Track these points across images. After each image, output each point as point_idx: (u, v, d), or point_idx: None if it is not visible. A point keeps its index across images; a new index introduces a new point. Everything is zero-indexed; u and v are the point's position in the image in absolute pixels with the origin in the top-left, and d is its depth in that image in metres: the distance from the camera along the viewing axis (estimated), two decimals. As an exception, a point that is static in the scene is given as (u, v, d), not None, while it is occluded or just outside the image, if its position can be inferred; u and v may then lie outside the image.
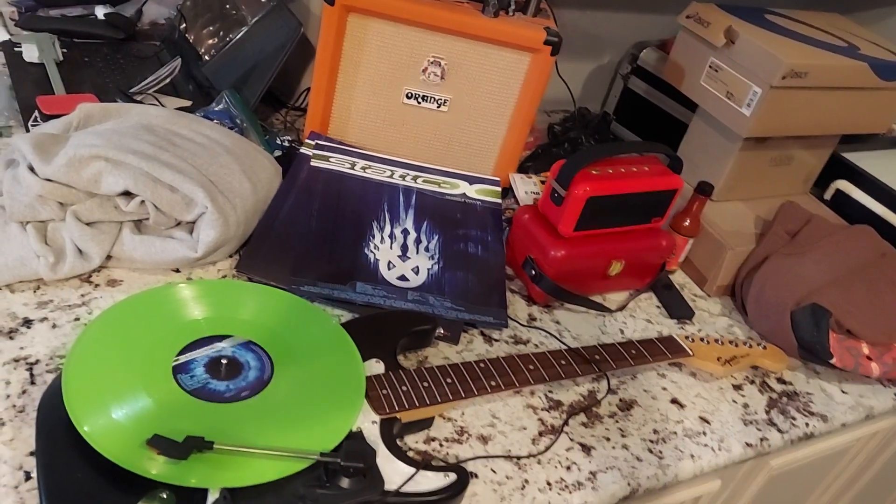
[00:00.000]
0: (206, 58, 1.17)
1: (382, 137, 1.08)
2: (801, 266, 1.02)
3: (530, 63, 1.03)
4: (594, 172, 0.92)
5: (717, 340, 0.95)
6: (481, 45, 1.01)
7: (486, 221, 1.03)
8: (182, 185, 0.79)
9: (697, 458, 0.82)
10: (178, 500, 0.57)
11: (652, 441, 0.82)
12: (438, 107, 1.06)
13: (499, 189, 1.08)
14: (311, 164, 1.01)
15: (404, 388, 0.72)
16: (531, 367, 0.80)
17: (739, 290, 1.07)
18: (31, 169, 0.77)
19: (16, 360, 0.69)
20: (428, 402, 0.72)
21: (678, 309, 1.04)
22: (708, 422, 0.87)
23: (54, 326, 0.74)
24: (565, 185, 0.91)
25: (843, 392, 0.98)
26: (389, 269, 0.92)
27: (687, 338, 0.93)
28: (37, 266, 0.75)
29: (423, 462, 0.67)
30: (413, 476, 0.64)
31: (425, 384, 0.73)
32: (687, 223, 1.06)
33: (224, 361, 0.67)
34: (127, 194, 0.80)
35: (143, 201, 0.79)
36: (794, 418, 0.91)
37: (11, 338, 0.71)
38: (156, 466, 0.57)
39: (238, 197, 0.85)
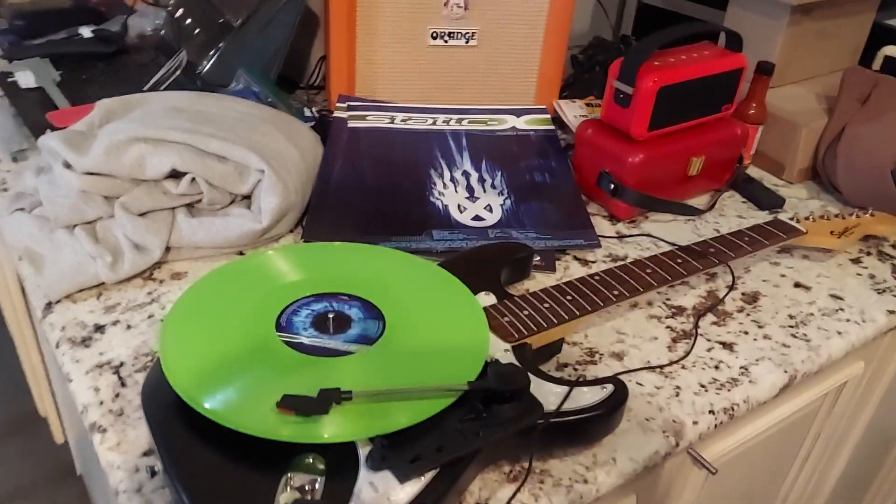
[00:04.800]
0: (206, 59, 1.10)
1: (414, 87, 1.01)
2: (885, 127, 0.95)
3: (555, -26, 0.96)
4: (656, 64, 0.85)
5: (822, 217, 0.87)
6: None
7: (545, 149, 0.96)
8: (231, 152, 0.72)
9: (845, 334, 0.75)
10: (328, 462, 0.49)
11: (791, 326, 0.75)
12: (467, 42, 0.99)
13: (548, 117, 1.01)
14: (350, 125, 0.94)
15: (525, 312, 0.65)
16: (648, 270, 0.72)
17: (823, 169, 1.00)
18: (67, 166, 0.69)
19: (99, 367, 0.62)
20: (555, 321, 0.64)
21: (766, 199, 0.96)
22: (840, 298, 0.80)
23: (129, 327, 0.66)
24: (631, 80, 0.84)
25: (964, 245, 0.91)
26: (461, 212, 0.84)
27: (791, 219, 0.86)
28: (95, 269, 0.68)
29: (575, 379, 0.59)
30: (569, 393, 0.57)
31: (546, 305, 0.66)
32: (753, 109, 0.99)
33: (331, 316, 0.60)
34: (174, 176, 0.72)
35: (193, 179, 0.72)
36: (926, 278, 0.84)
37: (87, 346, 0.64)
38: (295, 429, 0.49)
39: (289, 161, 0.78)
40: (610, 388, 0.58)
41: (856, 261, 0.87)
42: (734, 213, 0.94)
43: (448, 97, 1.02)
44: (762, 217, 0.94)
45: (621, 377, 0.65)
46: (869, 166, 0.93)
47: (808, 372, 0.71)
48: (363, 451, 0.50)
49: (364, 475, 0.49)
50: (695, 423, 0.63)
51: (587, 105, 1.08)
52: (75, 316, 0.67)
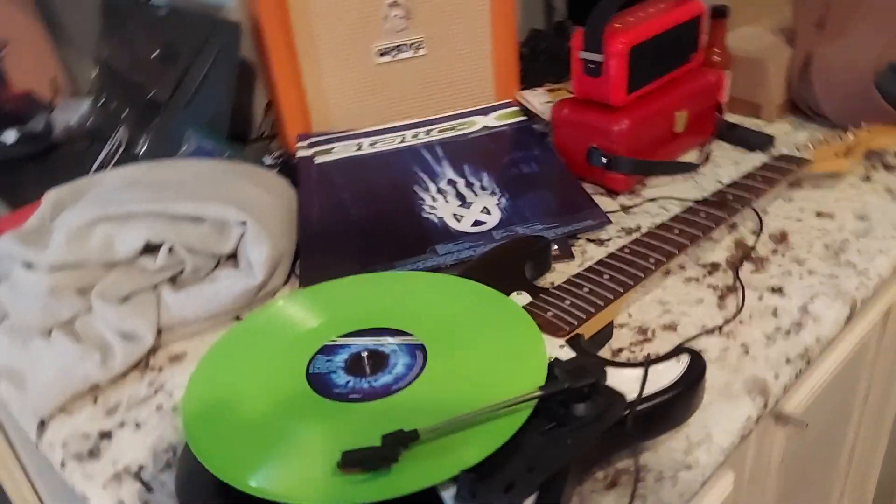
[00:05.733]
0: (143, 138, 1.03)
1: (372, 109, 0.95)
2: (855, 41, 0.93)
3: (489, -37, 0.93)
4: (618, 26, 0.82)
5: (822, 143, 0.85)
6: (433, -36, 0.90)
7: (523, 140, 0.91)
8: (206, 210, 0.65)
9: (886, 251, 0.71)
10: (413, 515, 0.42)
11: (832, 256, 0.71)
12: (416, 51, 0.94)
13: (517, 109, 0.97)
14: (317, 162, 0.88)
15: (567, 302, 0.59)
16: (676, 231, 0.68)
17: (801, 99, 0.98)
18: (28, 266, 0.62)
19: (116, 477, 0.54)
20: (602, 303, 0.59)
21: (755, 140, 0.93)
22: (866, 218, 0.77)
23: (138, 426, 0.58)
24: (598, 47, 0.80)
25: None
26: (459, 220, 0.79)
27: (795, 148, 0.83)
28: (84, 371, 0.60)
29: (647, 358, 0.54)
30: (646, 375, 0.51)
31: (586, 290, 0.61)
32: (717, 56, 0.97)
33: (364, 355, 0.53)
34: (149, 251, 0.65)
35: (170, 249, 0.65)
36: (941, 178, 0.81)
37: (97, 457, 0.56)
38: (366, 489, 0.42)
39: (267, 209, 0.72)
40: (686, 358, 0.52)
41: (866, 179, 0.84)
42: (729, 162, 0.91)
43: (409, 111, 0.96)
44: (757, 159, 0.91)
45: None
46: (849, 83, 0.91)
47: (865, 298, 0.67)
48: (448, 494, 0.43)
49: (458, 521, 0.42)
50: (776, 376, 0.58)
51: (549, 91, 1.04)
52: (75, 428, 0.59)
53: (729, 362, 0.59)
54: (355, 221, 0.79)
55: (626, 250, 0.65)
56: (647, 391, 0.50)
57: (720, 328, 0.63)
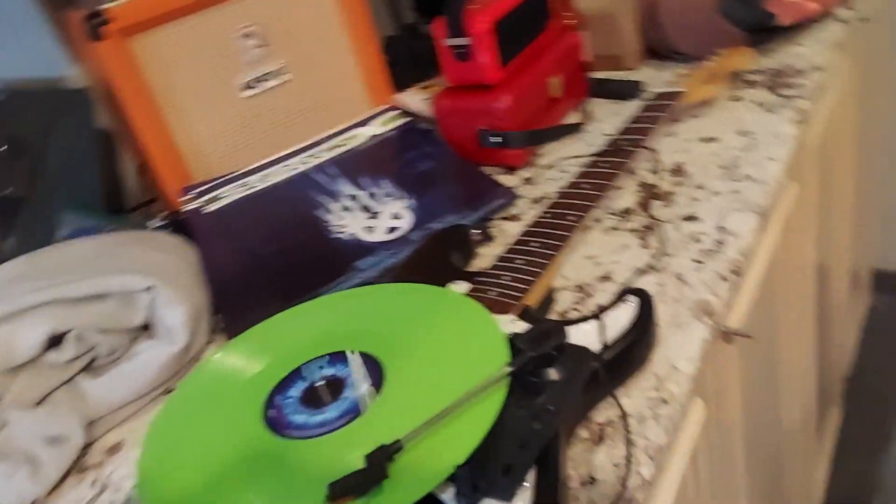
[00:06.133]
0: (6, 237, 0.95)
1: (250, 146, 0.92)
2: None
3: (331, -27, 0.91)
4: (476, 6, 0.83)
5: (687, 74, 0.89)
6: (275, -14, 0.88)
7: (413, 140, 0.90)
8: (107, 284, 0.60)
9: (773, 159, 0.75)
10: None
11: (728, 174, 0.74)
12: (281, 79, 0.92)
13: (399, 112, 0.96)
14: (207, 211, 0.84)
15: (505, 278, 0.59)
16: (584, 186, 0.69)
17: (657, 42, 1.02)
18: (-81, 396, 0.55)
19: (82, 592, 0.48)
20: (539, 270, 0.59)
21: (627, 90, 0.97)
22: (747, 132, 0.81)
23: (92, 531, 0.53)
24: (462, 31, 0.80)
25: (800, 45, 0.95)
26: (371, 232, 0.77)
27: (666, 85, 0.86)
28: (16, 490, 0.54)
29: (598, 308, 0.54)
30: (603, 323, 0.51)
31: (519, 261, 0.60)
32: (569, 19, 1.00)
33: (319, 384, 0.51)
34: (55, 344, 0.60)
35: (78, 336, 0.59)
36: (793, 85, 0.87)
37: (54, 578, 0.50)
38: (364, 515, 0.40)
39: (170, 269, 0.67)
40: (633, 298, 0.53)
41: (735, 99, 0.89)
42: (609, 114, 0.94)
43: (290, 139, 0.94)
44: (634, 106, 0.94)
45: (624, 293, 0.61)
46: (696, 17, 0.95)
47: (770, 203, 0.70)
48: (447, 496, 0.42)
49: (467, 517, 0.41)
50: (716, 295, 0.59)
51: (422, 89, 1.04)
52: (20, 555, 0.53)
53: (669, 295, 0.60)
54: (266, 260, 0.76)
55: (546, 216, 0.66)
56: (610, 338, 0.50)
57: (651, 267, 0.64)
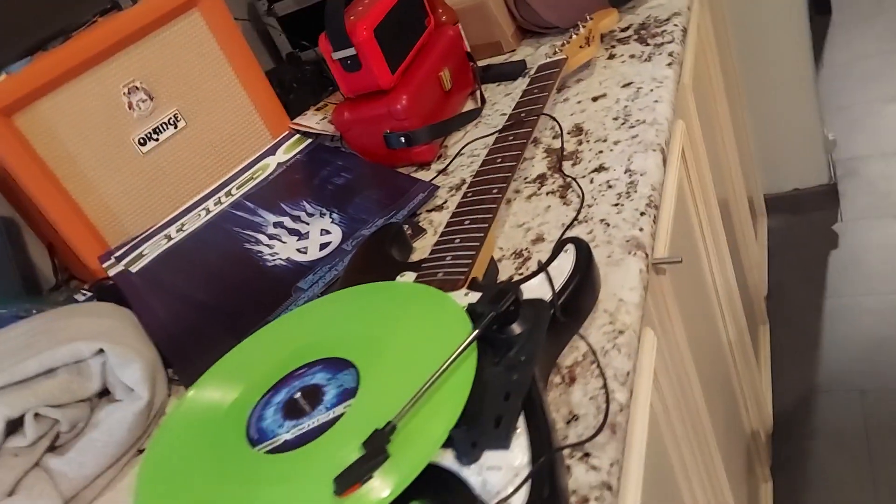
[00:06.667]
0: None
1: (160, 199, 0.91)
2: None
3: (204, 16, 0.92)
4: (353, 18, 0.85)
5: (564, 44, 0.94)
6: (151, 38, 0.88)
7: (321, 158, 0.92)
8: (54, 357, 0.59)
9: (658, 101, 0.81)
10: (432, 494, 0.42)
11: (623, 123, 0.79)
12: (175, 127, 0.91)
13: (300, 136, 0.97)
14: (134, 270, 0.83)
15: (448, 258, 0.61)
16: (499, 160, 0.72)
17: (527, 21, 1.08)
18: None
19: None
20: (479, 242, 0.61)
21: (513, 70, 1.01)
22: (630, 83, 0.86)
23: None
24: (346, 42, 0.83)
25: (661, -5, 1.03)
26: (305, 252, 0.78)
27: (546, 57, 0.91)
28: (7, 585, 0.52)
29: (539, 264, 0.57)
30: (548, 275, 0.54)
31: (457, 240, 0.63)
32: (444, 14, 1.04)
33: (297, 396, 0.51)
34: (12, 431, 0.58)
35: (35, 415, 0.58)
36: (660, 33, 0.94)
37: None
38: (374, 500, 0.41)
39: (113, 331, 0.66)
40: (569, 246, 0.57)
41: (611, 57, 0.94)
42: (501, 96, 0.98)
43: (199, 183, 0.93)
44: (523, 83, 0.99)
45: (558, 248, 0.64)
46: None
47: (665, 140, 0.76)
48: (449, 461, 0.44)
49: (473, 473, 0.43)
50: (640, 229, 0.64)
51: (317, 111, 1.05)
52: None
53: (600, 239, 0.64)
54: (207, 304, 0.76)
55: (469, 195, 0.69)
56: (558, 285, 0.53)
57: (576, 219, 0.68)
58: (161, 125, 0.90)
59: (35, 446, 0.58)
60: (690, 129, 0.97)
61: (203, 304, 0.76)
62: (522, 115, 0.79)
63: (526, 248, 0.67)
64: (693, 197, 0.93)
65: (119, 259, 0.85)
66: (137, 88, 0.88)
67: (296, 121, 1.02)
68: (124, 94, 0.87)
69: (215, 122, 0.95)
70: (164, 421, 0.54)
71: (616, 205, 0.68)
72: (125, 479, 0.62)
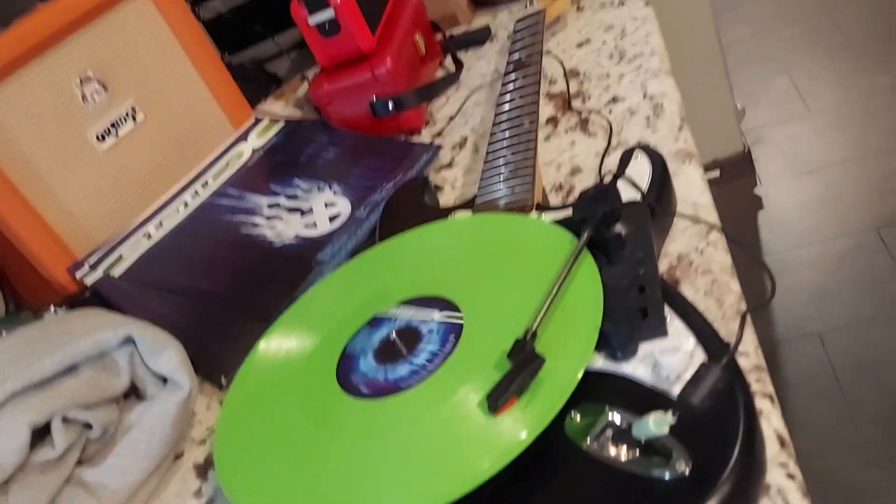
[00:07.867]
0: None
1: (129, 198, 0.82)
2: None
3: (155, 2, 0.84)
4: (324, -19, 0.80)
5: (526, 5, 0.93)
6: (99, 23, 0.80)
7: (303, 137, 0.86)
8: (76, 349, 0.50)
9: (650, 34, 0.80)
10: (593, 397, 0.38)
11: (621, 58, 0.78)
12: (135, 120, 0.83)
13: (270, 120, 0.90)
14: (117, 274, 0.74)
15: (501, 188, 0.57)
16: (517, 98, 0.69)
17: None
18: None
19: None
20: (531, 167, 0.58)
21: (477, 36, 0.99)
22: (611, 26, 0.86)
23: None
24: (324, 3, 0.78)
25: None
26: (316, 227, 0.72)
27: (516, 15, 0.89)
28: None
29: (614, 172, 0.54)
30: (631, 178, 0.51)
31: (504, 172, 0.59)
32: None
33: (392, 338, 0.46)
34: (38, 439, 0.49)
35: (63, 420, 0.49)
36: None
37: None
38: (533, 414, 0.36)
39: (129, 325, 0.58)
40: (639, 152, 0.54)
41: (580, 9, 0.94)
42: (475, 60, 0.95)
43: (170, 177, 0.84)
44: (492, 50, 0.96)
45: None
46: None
47: (669, 64, 0.75)
48: (606, 362, 0.39)
49: (639, 368, 0.38)
50: (685, 141, 0.62)
51: (276, 100, 0.99)
52: None
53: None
54: (215, 292, 0.68)
55: (496, 134, 0.65)
56: (643, 184, 0.50)
57: (609, 146, 0.66)
58: (119, 119, 0.81)
59: (64, 458, 0.49)
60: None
61: (210, 292, 0.68)
62: (522, 58, 0.76)
63: (567, 181, 0.64)
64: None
65: (94, 266, 0.75)
66: (90, 79, 0.79)
67: (259, 107, 0.96)
68: (76, 84, 0.78)
69: (175, 114, 0.86)
70: (240, 372, 0.46)
71: (649, 126, 0.66)
72: (170, 485, 0.53)
